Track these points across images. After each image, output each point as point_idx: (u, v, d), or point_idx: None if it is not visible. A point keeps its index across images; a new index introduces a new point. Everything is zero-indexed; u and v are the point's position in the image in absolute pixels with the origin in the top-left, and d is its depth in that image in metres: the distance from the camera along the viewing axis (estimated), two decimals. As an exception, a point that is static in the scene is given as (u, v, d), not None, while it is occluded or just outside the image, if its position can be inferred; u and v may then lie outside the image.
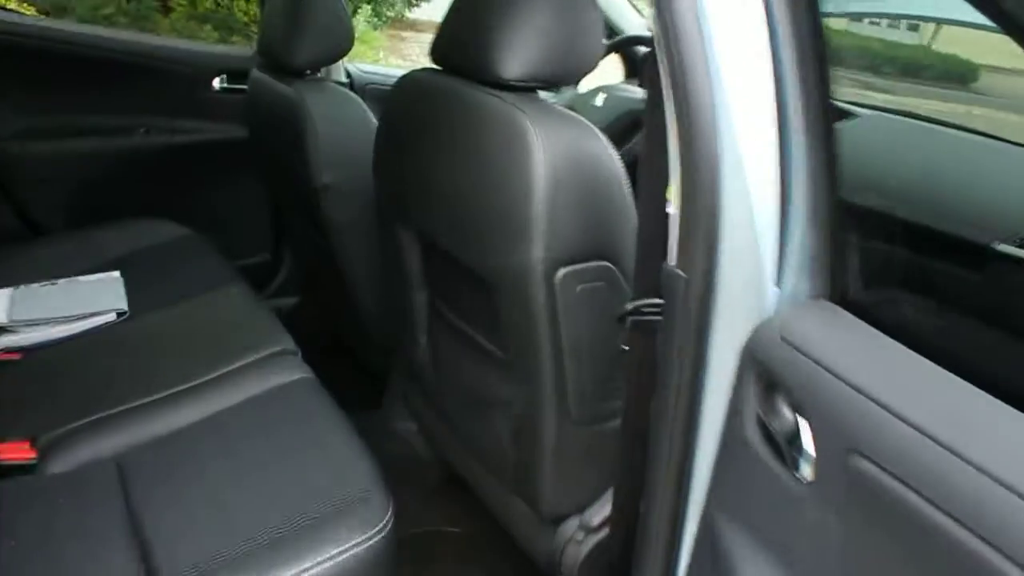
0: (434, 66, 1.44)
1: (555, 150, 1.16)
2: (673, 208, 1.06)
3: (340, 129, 1.85)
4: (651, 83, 1.12)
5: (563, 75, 1.27)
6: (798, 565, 0.89)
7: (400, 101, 1.50)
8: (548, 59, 1.22)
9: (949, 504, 0.68)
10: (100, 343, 1.80)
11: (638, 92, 2.32)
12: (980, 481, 0.66)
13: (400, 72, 2.57)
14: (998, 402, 0.73)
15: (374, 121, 1.90)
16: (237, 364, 1.63)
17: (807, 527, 0.87)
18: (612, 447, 1.36)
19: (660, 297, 1.19)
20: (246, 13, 8.07)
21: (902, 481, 0.73)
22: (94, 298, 1.95)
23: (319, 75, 2.00)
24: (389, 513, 1.24)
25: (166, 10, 7.71)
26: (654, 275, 1.20)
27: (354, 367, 2.27)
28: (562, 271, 1.20)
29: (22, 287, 1.99)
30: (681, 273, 1.04)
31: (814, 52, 0.95)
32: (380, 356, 2.11)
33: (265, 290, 2.60)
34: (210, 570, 1.15)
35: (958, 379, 0.78)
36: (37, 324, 1.85)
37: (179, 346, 1.74)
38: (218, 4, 7.93)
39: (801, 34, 0.95)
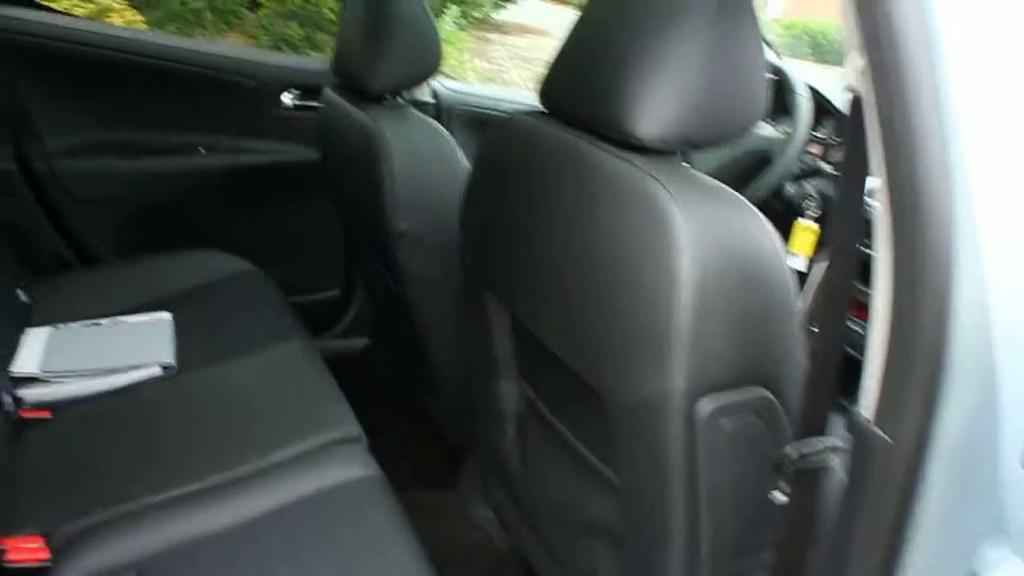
0: (542, 109, 1.16)
1: (705, 239, 0.86)
2: (874, 334, 0.77)
3: (422, 168, 1.58)
4: (851, 154, 0.82)
5: (716, 135, 0.97)
6: None
7: (499, 148, 1.22)
8: (700, 116, 0.93)
9: None
10: (140, 405, 1.57)
11: (765, 128, 2.01)
12: None
13: (493, 93, 2.33)
14: None
15: (463, 160, 1.63)
16: (293, 452, 1.39)
17: None
18: None
19: (832, 438, 0.90)
20: (333, 11, 7.95)
21: None
22: (139, 347, 1.72)
23: (400, 99, 1.72)
24: None
25: (254, 5, 7.63)
26: (824, 409, 0.91)
27: (427, 429, 2.01)
28: (706, 401, 0.90)
29: (62, 327, 1.79)
30: (881, 434, 0.75)
31: None
32: (457, 422, 1.84)
33: (333, 329, 2.36)
34: None
35: None
36: (72, 376, 1.63)
37: (228, 420, 1.50)
38: (307, 0, 7.81)
39: None
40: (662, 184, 0.88)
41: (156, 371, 1.66)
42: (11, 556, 1.25)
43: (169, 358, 1.67)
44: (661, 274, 0.86)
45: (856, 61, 0.72)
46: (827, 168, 2.00)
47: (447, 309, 1.66)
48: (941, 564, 0.82)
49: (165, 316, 1.83)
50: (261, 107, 2.21)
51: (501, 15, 10.21)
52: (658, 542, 1.01)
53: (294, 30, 7.47)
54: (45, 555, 1.26)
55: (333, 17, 7.91)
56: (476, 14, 9.71)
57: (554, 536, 1.31)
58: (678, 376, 0.87)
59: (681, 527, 0.98)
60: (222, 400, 1.57)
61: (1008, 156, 0.73)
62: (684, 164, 0.97)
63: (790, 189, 1.96)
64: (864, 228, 0.87)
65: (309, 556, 1.19)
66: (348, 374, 1.75)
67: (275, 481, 1.33)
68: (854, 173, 0.82)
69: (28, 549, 1.27)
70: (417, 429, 2.01)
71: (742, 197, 0.95)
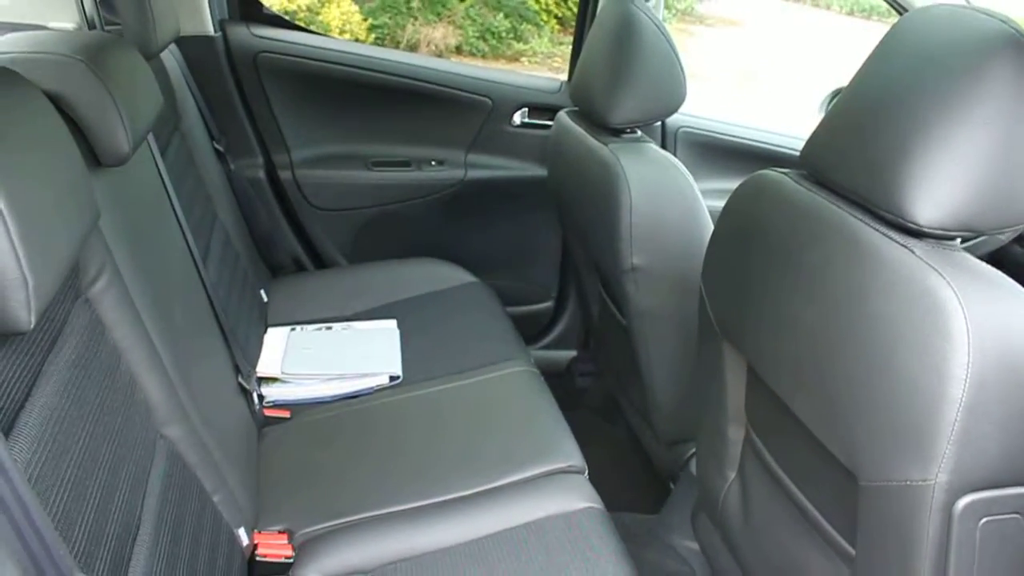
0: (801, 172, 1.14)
1: (984, 336, 0.83)
2: None
3: (660, 205, 1.58)
4: None
5: (1002, 223, 0.92)
6: None
7: (751, 203, 1.20)
8: (987, 202, 0.89)
9: None
10: (369, 413, 1.67)
11: None
12: None
13: (720, 123, 2.30)
14: None
15: (699, 197, 1.62)
16: (520, 476, 1.44)
17: None
18: None
19: None
20: (538, 1, 8.05)
21: None
22: (368, 354, 1.83)
23: (639, 132, 1.73)
24: None
25: (462, -5, 7.83)
26: None
27: (629, 451, 2.03)
28: (967, 499, 0.87)
29: (298, 329, 1.91)
30: None
31: None
32: (664, 452, 1.84)
33: (543, 339, 2.41)
34: None
35: None
36: (309, 379, 1.75)
37: (455, 440, 1.57)
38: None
39: None
40: (943, 276, 0.85)
41: (384, 380, 1.75)
42: (261, 551, 1.36)
43: (397, 370, 1.77)
44: (933, 369, 0.84)
45: None
46: None
47: (671, 343, 1.66)
48: None
49: (391, 324, 1.93)
50: (494, 124, 2.27)
51: (705, 7, 10.05)
52: None
53: (500, 21, 7.63)
54: (289, 552, 1.37)
55: (536, 7, 8.02)
56: (679, 5, 9.60)
57: None
58: (943, 470, 0.85)
59: None
60: (451, 417, 1.63)
61: None
62: (962, 251, 0.94)
63: (1017, 249, 1.85)
64: None
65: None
66: (554, 384, 1.79)
67: (502, 504, 1.38)
68: None
69: (276, 545, 1.37)
70: (620, 449, 2.03)
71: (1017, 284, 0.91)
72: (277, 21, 2.24)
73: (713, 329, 1.31)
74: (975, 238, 0.97)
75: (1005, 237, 1.85)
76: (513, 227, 2.34)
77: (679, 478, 1.81)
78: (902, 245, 0.91)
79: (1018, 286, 0.91)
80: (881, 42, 1.04)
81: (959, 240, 0.94)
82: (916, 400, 0.85)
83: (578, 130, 1.79)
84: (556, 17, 8.19)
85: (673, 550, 1.72)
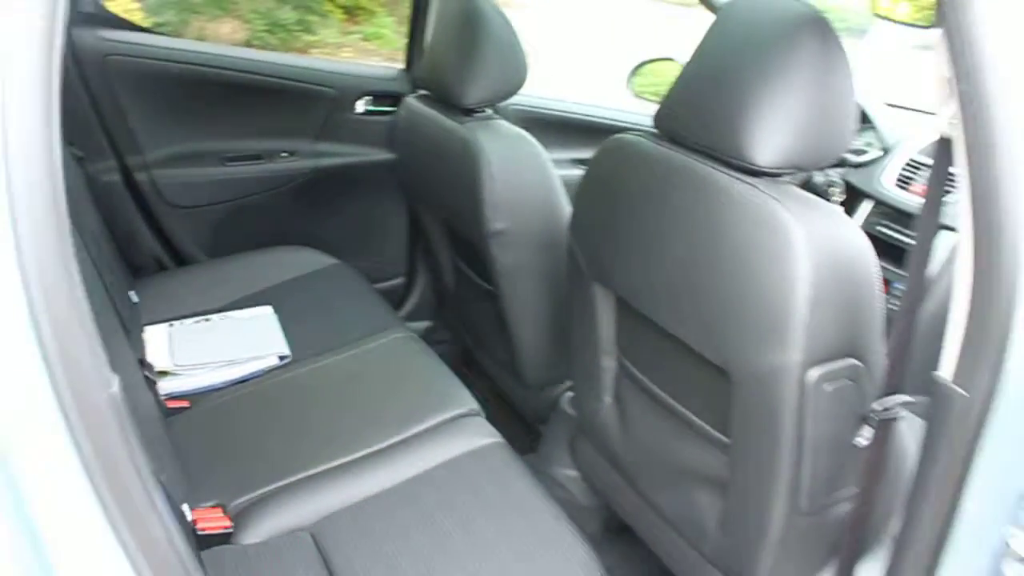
0: (650, 131, 1.37)
1: (817, 246, 1.09)
2: (956, 318, 1.00)
3: (516, 173, 1.78)
4: (935, 185, 1.05)
5: (816, 160, 1.19)
6: None
7: (612, 162, 1.43)
8: (805, 144, 1.15)
9: None
10: (268, 392, 1.78)
11: None
12: None
13: (544, 100, 2.53)
14: None
15: (546, 160, 1.83)
16: (424, 426, 1.60)
17: None
18: (831, 533, 1.31)
19: (907, 396, 1.14)
20: (324, -11, 8.04)
21: None
22: (253, 339, 1.93)
23: (489, 111, 1.93)
24: None
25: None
26: (903, 373, 1.14)
27: (496, 402, 2.24)
28: (814, 371, 1.13)
29: (177, 324, 1.98)
30: (959, 390, 0.98)
31: None
32: (533, 398, 2.06)
33: (398, 312, 2.57)
34: None
35: None
36: (200, 369, 1.84)
37: (358, 402, 1.71)
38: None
39: None
40: (781, 203, 1.10)
41: (274, 361, 1.87)
42: (200, 525, 1.47)
43: (285, 349, 1.88)
44: (783, 275, 1.09)
45: (949, 108, 0.94)
46: (850, 157, 2.23)
47: (535, 297, 1.88)
48: (1000, 485, 1.04)
49: (268, 310, 2.04)
50: (338, 113, 2.40)
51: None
52: (765, 484, 1.24)
53: (287, 14, 7.58)
54: (227, 523, 1.48)
55: (323, -2, 8.02)
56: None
57: (653, 486, 1.53)
58: (795, 351, 1.10)
59: (787, 471, 1.20)
60: (347, 385, 1.77)
61: None
62: (791, 184, 1.19)
63: (818, 177, 2.19)
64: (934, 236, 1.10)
65: (461, 509, 1.42)
66: None
67: (416, 450, 1.55)
68: (935, 195, 1.05)
69: (213, 518, 1.48)
70: (485, 406, 2.25)
71: (839, 209, 1.18)
72: (123, 23, 2.26)
73: (582, 274, 1.53)
74: (799, 174, 1.22)
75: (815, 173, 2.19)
76: (363, 209, 2.48)
77: (551, 418, 2.03)
78: (747, 183, 1.15)
79: (835, 208, 1.18)
80: (713, 24, 1.29)
81: (787, 176, 1.19)
82: (773, 301, 1.10)
83: (431, 113, 1.96)
84: (341, 7, 8.23)
85: (553, 479, 1.94)
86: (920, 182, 2.00)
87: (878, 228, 2.10)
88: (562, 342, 1.89)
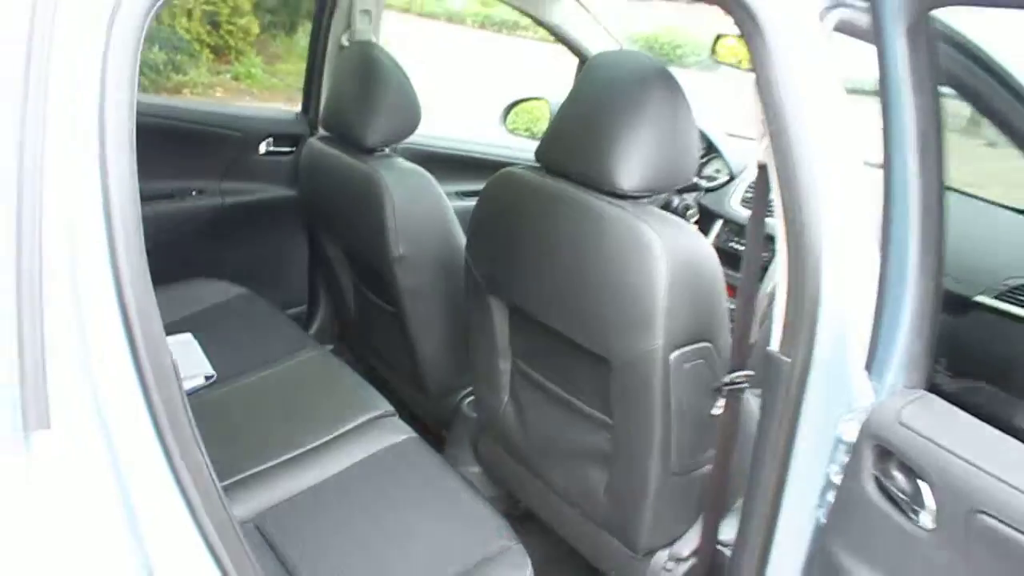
0: (532, 165, 1.65)
1: (672, 254, 1.37)
2: (779, 304, 1.30)
3: (413, 204, 2.03)
4: (758, 201, 1.36)
5: (669, 184, 1.49)
6: None
7: (503, 190, 1.69)
8: (658, 171, 1.44)
9: None
10: (197, 409, 1.92)
11: None
12: None
13: (432, 139, 2.78)
14: None
15: (440, 192, 2.09)
16: (347, 427, 1.80)
17: (930, 562, 1.14)
18: (700, 490, 1.60)
19: (748, 371, 1.44)
20: (188, 31, 8.08)
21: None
22: (178, 362, 2.08)
23: (388, 150, 2.17)
24: (530, 569, 1.44)
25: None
26: (745, 353, 1.44)
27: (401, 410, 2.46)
28: (675, 353, 1.41)
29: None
30: (784, 358, 1.28)
31: (935, 174, 1.21)
32: (435, 409, 2.29)
33: None
34: None
35: None
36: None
37: (284, 412, 1.89)
38: (159, 22, 7.87)
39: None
40: (645, 221, 1.39)
41: (201, 381, 2.03)
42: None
43: (209, 369, 2.06)
44: (648, 277, 1.37)
45: (764, 142, 1.25)
46: (701, 182, 2.59)
47: (435, 314, 2.12)
48: (821, 432, 1.33)
49: (188, 337, 2.20)
50: (243, 154, 2.59)
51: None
52: (642, 457, 1.51)
53: (155, 54, 7.60)
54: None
55: (188, 37, 8.06)
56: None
57: (547, 466, 1.79)
58: (659, 336, 1.39)
59: (659, 439, 1.48)
60: (271, 399, 1.96)
61: (844, 195, 1.26)
62: (651, 205, 1.49)
63: (675, 200, 2.53)
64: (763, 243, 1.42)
65: (388, 495, 1.63)
66: None
67: (342, 448, 1.75)
68: (759, 210, 1.36)
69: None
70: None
71: (689, 225, 1.48)
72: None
73: (480, 289, 1.78)
74: (657, 196, 1.51)
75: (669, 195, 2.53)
76: (268, 242, 2.67)
77: (452, 422, 2.27)
78: (616, 205, 1.44)
79: (686, 223, 1.48)
80: (582, 75, 1.58)
81: (647, 198, 1.49)
82: (640, 299, 1.39)
83: (334, 152, 2.20)
84: (209, 46, 8.29)
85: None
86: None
87: (729, 244, 2.46)
88: (460, 353, 2.13)
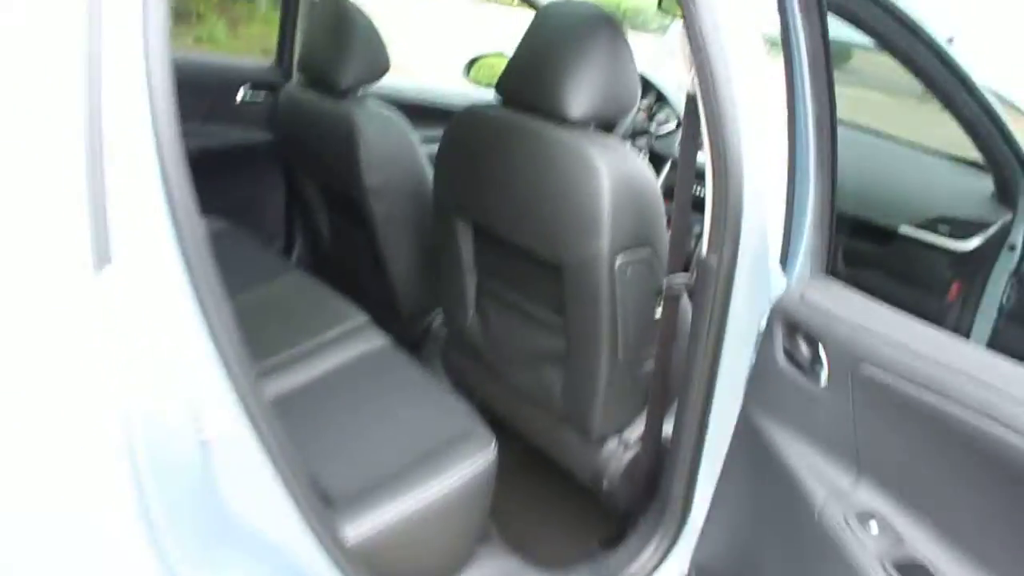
0: (491, 102, 1.85)
1: (613, 170, 1.59)
2: (707, 212, 1.52)
3: (384, 138, 2.23)
4: (688, 125, 1.58)
5: (613, 113, 1.70)
6: (819, 437, 1.40)
7: (467, 124, 1.89)
8: (603, 102, 1.65)
9: (922, 382, 1.22)
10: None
11: None
12: (935, 367, 1.21)
13: (399, 87, 2.97)
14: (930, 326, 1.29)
15: (408, 129, 2.29)
16: (333, 334, 1.99)
17: (826, 412, 1.38)
18: (644, 382, 1.82)
19: (686, 273, 1.66)
20: None
21: (893, 374, 1.26)
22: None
23: (359, 93, 2.36)
24: (493, 444, 1.65)
25: None
26: (681, 259, 1.67)
27: None
28: (619, 257, 1.63)
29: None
30: (713, 257, 1.50)
31: (826, 92, 1.44)
32: (410, 329, 2.50)
33: None
34: (366, 490, 1.51)
35: (905, 314, 1.33)
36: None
37: (265, 327, 2.06)
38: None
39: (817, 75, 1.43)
40: (589, 144, 1.61)
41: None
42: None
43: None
44: (593, 191, 1.58)
45: (691, 74, 1.46)
46: (652, 128, 2.83)
47: (405, 238, 2.33)
48: (746, 324, 1.56)
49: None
50: (222, 100, 2.77)
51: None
52: (593, 352, 1.73)
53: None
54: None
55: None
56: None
57: (511, 371, 2.01)
58: (604, 241, 1.60)
59: (607, 336, 1.70)
60: (254, 315, 2.10)
61: (758, 118, 1.48)
62: (595, 131, 1.70)
63: (628, 144, 2.75)
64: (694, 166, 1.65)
65: (371, 393, 1.82)
66: None
67: (326, 354, 1.93)
68: (690, 136, 1.58)
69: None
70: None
71: (628, 147, 1.69)
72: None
73: (447, 212, 1.99)
74: (600, 123, 1.73)
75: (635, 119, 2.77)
76: (246, 183, 2.86)
77: (423, 341, 2.48)
78: (565, 131, 1.65)
79: (626, 145, 1.69)
80: (534, 20, 1.78)
81: (593, 125, 1.70)
82: (587, 208, 1.60)
83: (310, 96, 2.39)
84: (172, 9, 8.32)
85: None
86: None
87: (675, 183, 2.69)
88: (429, 277, 2.34)
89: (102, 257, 0.86)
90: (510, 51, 2.90)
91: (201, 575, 0.99)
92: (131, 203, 0.88)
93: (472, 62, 3.26)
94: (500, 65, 3.21)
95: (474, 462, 1.61)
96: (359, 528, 1.45)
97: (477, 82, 3.27)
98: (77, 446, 0.87)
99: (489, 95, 1.92)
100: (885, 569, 1.27)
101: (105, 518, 0.91)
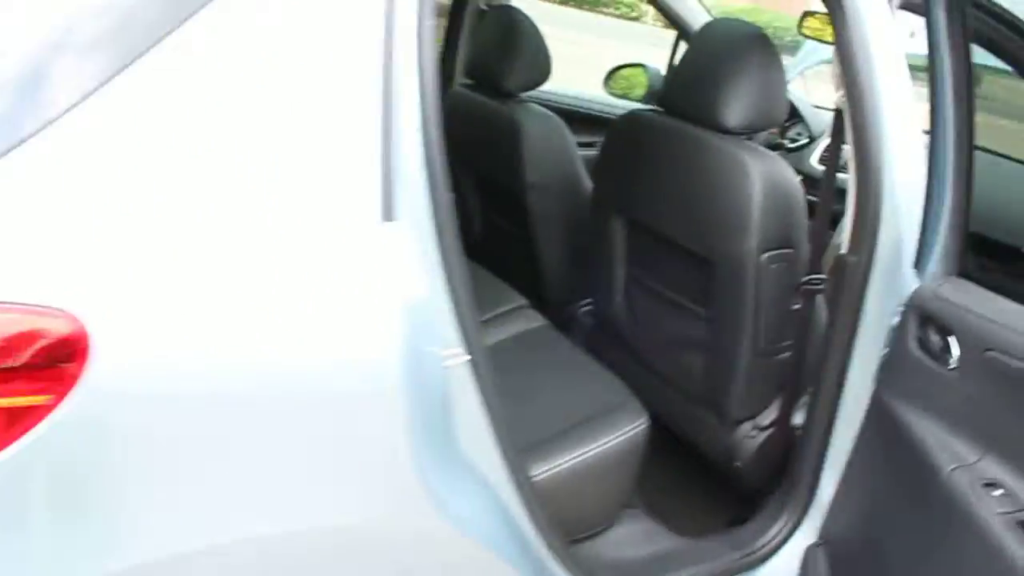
0: (649, 108, 2.07)
1: (765, 176, 1.79)
2: (847, 216, 1.70)
3: (546, 140, 2.48)
4: (834, 138, 1.77)
5: (765, 124, 1.92)
6: (948, 417, 1.59)
7: (630, 130, 2.13)
8: (757, 114, 1.85)
9: None
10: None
11: None
12: None
13: (549, 92, 3.19)
14: None
15: (567, 132, 2.53)
16: (495, 312, 2.22)
17: (955, 394, 1.57)
18: (779, 370, 1.99)
19: (822, 274, 1.83)
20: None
21: (1020, 360, 1.44)
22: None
23: (520, 96, 2.58)
24: (646, 417, 1.84)
25: None
26: (819, 259, 1.85)
27: None
28: (764, 255, 1.83)
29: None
30: (852, 258, 1.68)
31: (967, 112, 1.64)
32: (556, 314, 2.69)
33: None
34: (534, 444, 1.68)
35: None
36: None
37: None
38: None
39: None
40: (744, 151, 1.82)
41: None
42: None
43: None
44: (745, 194, 1.79)
45: (840, 92, 1.65)
46: (785, 143, 3.01)
47: (560, 234, 2.56)
48: (878, 321, 1.70)
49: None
50: None
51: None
52: (735, 341, 1.92)
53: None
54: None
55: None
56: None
57: (655, 358, 2.20)
58: (753, 241, 1.80)
59: (748, 330, 1.89)
60: None
61: (900, 131, 1.64)
62: (750, 141, 1.90)
63: None
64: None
65: (532, 364, 2.02)
66: None
67: (492, 328, 2.15)
68: (835, 146, 1.77)
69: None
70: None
71: (778, 155, 1.89)
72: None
73: (604, 204, 2.21)
74: (755, 135, 1.93)
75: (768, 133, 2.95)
76: None
77: (569, 327, 2.69)
78: (723, 139, 1.85)
79: (775, 154, 1.89)
80: (695, 38, 2.00)
81: (746, 135, 1.90)
82: (741, 211, 1.80)
83: (478, 98, 2.65)
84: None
85: None
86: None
87: (807, 197, 2.87)
88: (577, 268, 2.55)
89: (387, 216, 1.13)
90: (648, 63, 3.12)
91: (442, 484, 1.23)
92: (406, 179, 1.15)
93: (611, 73, 3.47)
94: (636, 76, 3.43)
95: (628, 430, 1.81)
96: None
97: (614, 92, 3.48)
98: (364, 355, 1.14)
99: (631, 106, 2.12)
100: (1011, 528, 1.43)
101: (382, 412, 1.18)
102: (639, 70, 3.35)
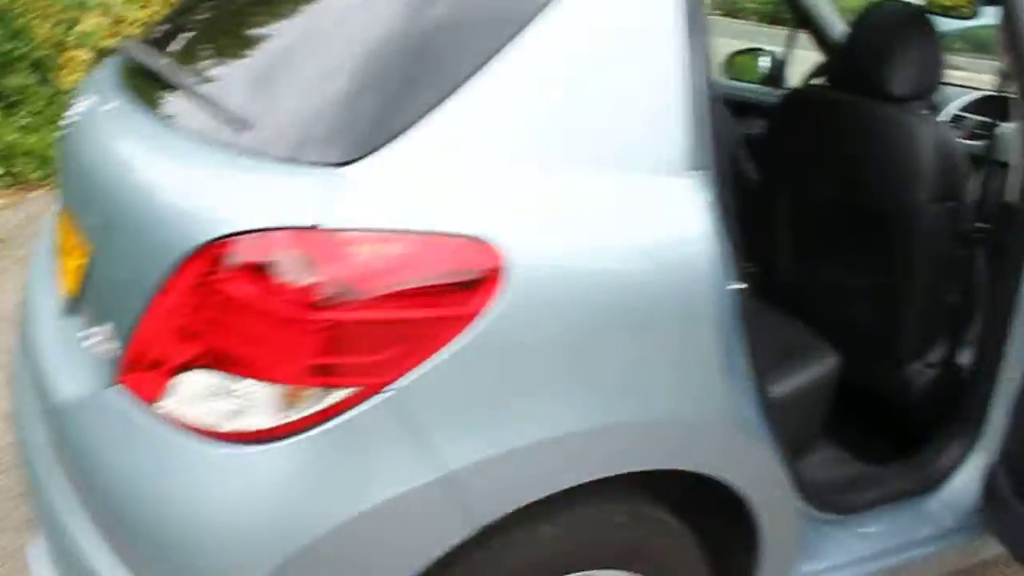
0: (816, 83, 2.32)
1: (932, 138, 2.03)
2: (1017, 164, 1.93)
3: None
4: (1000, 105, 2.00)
5: (926, 90, 2.15)
6: None
7: (801, 103, 2.39)
8: (919, 82, 2.09)
9: None
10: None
11: None
12: None
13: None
14: None
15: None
16: None
17: None
18: (946, 312, 2.23)
19: (986, 223, 2.06)
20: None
21: None
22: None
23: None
24: (837, 358, 2.07)
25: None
26: (982, 210, 2.08)
27: None
28: (933, 206, 2.06)
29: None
30: (1021, 204, 1.91)
31: None
32: None
33: None
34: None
35: None
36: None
37: None
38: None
39: None
40: (914, 116, 2.06)
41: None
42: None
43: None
44: (916, 152, 2.02)
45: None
46: None
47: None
48: None
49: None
50: None
51: None
52: (905, 287, 2.14)
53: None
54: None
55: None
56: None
57: (824, 308, 2.38)
58: (924, 193, 2.04)
59: (918, 276, 2.12)
60: None
61: None
62: (918, 108, 2.14)
63: None
64: None
65: None
66: None
67: None
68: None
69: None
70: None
71: (941, 119, 2.13)
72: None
73: (775, 172, 2.47)
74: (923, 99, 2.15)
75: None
76: None
77: None
78: (891, 107, 2.09)
79: (938, 119, 2.14)
80: (857, 20, 2.22)
81: (911, 102, 2.13)
82: (911, 168, 2.03)
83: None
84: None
85: None
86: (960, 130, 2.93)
87: None
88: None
89: (689, 168, 1.42)
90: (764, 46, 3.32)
91: (733, 388, 1.57)
92: (704, 140, 1.45)
93: (730, 58, 3.63)
94: (749, 61, 3.59)
95: (822, 367, 2.06)
96: None
97: (732, 77, 3.61)
98: (684, 283, 1.45)
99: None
100: None
101: (699, 330, 1.50)
102: (753, 55, 3.55)
